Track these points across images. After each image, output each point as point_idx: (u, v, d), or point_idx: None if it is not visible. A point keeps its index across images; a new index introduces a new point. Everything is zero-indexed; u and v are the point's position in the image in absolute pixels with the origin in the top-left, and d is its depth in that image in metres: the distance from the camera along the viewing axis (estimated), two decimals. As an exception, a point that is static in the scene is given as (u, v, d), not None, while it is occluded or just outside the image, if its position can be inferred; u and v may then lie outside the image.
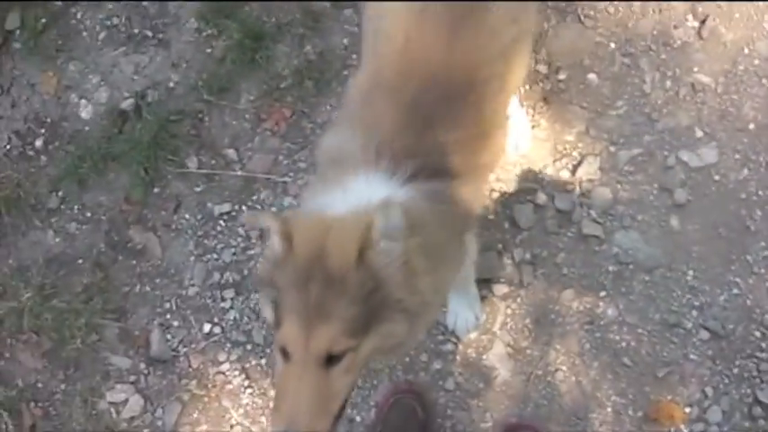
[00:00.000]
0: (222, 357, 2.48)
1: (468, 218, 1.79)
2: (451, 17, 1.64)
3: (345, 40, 2.65)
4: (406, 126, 1.58)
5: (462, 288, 2.27)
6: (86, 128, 2.65)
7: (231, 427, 2.47)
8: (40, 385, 2.53)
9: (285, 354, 1.38)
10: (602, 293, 2.49)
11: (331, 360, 1.36)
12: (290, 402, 1.34)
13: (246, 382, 2.49)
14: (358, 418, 2.46)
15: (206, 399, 2.48)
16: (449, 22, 1.64)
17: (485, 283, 2.50)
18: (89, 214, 2.59)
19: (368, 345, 1.39)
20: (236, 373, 2.48)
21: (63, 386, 2.52)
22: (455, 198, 1.65)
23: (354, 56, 2.63)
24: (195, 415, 2.48)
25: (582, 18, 2.67)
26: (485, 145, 1.73)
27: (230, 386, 2.48)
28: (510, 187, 2.55)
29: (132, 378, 2.49)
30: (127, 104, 2.64)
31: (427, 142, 1.58)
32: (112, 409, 2.49)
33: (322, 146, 1.75)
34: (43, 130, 2.63)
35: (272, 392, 2.47)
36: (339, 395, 1.40)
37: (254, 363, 2.50)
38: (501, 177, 2.56)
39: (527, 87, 2.59)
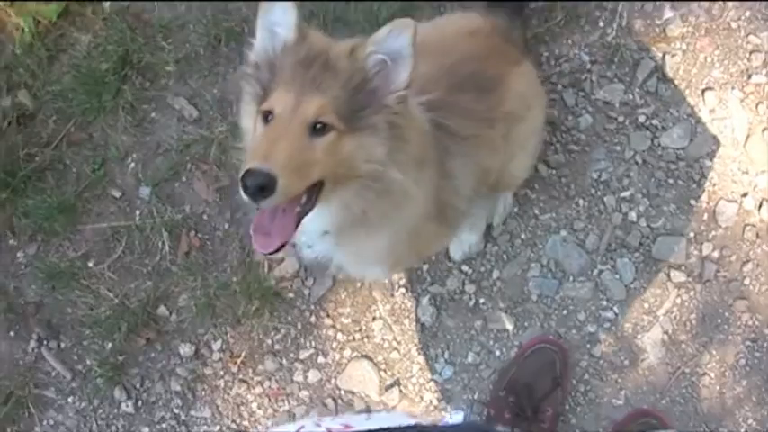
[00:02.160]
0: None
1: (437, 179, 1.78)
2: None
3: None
4: (438, 78, 1.76)
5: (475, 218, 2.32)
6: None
7: (373, 318, 2.47)
8: (205, 217, 2.54)
9: (267, 118, 1.47)
10: (777, 316, 2.41)
11: (316, 130, 1.45)
12: (270, 148, 1.41)
13: (402, 281, 2.48)
14: (498, 353, 2.44)
15: (359, 284, 2.48)
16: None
17: (663, 263, 2.43)
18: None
19: (350, 142, 1.47)
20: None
21: (227, 226, 2.53)
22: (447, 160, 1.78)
23: None
24: (343, 295, 2.48)
25: None
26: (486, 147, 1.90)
27: (386, 281, 2.46)
28: (722, 180, 2.45)
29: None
30: None
31: (447, 97, 1.75)
32: (266, 263, 2.50)
33: None
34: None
35: (424, 301, 2.46)
36: (316, 166, 1.45)
37: (416, 267, 2.47)
38: (716, 168, 2.46)
39: (772, 84, 2.47)
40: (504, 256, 2.46)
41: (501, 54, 2.00)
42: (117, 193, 2.58)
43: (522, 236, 2.47)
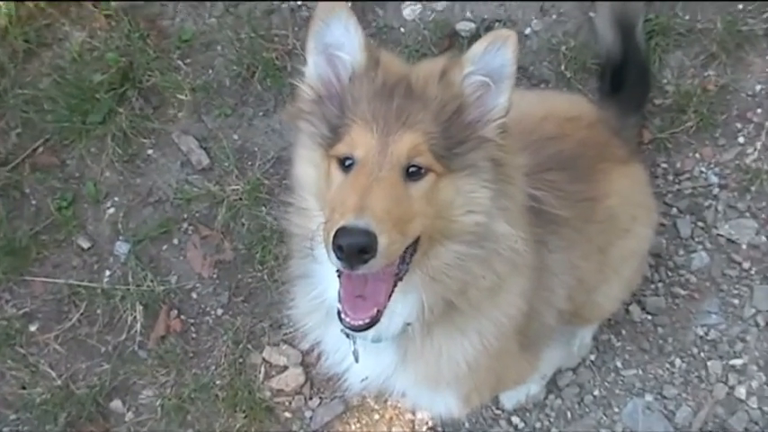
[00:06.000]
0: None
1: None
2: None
3: (759, 87, 2.16)
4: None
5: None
6: (402, 28, 2.27)
7: (386, 458, 2.11)
8: (194, 296, 2.18)
9: (346, 164, 1.29)
10: None
11: (410, 175, 1.28)
12: (362, 200, 1.21)
13: (430, 422, 2.09)
14: None
15: (377, 416, 2.11)
16: None
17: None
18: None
19: (448, 186, 1.30)
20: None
21: (220, 312, 2.17)
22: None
23: (760, 110, 2.11)
24: (354, 427, 2.10)
25: None
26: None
27: (410, 415, 2.07)
28: None
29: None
30: (464, 27, 2.23)
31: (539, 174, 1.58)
32: (263, 369, 2.14)
33: None
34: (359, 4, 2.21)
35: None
36: (415, 219, 1.26)
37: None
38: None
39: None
40: (569, 414, 2.12)
41: (602, 146, 1.78)
42: (85, 244, 2.29)
43: (596, 392, 2.13)
